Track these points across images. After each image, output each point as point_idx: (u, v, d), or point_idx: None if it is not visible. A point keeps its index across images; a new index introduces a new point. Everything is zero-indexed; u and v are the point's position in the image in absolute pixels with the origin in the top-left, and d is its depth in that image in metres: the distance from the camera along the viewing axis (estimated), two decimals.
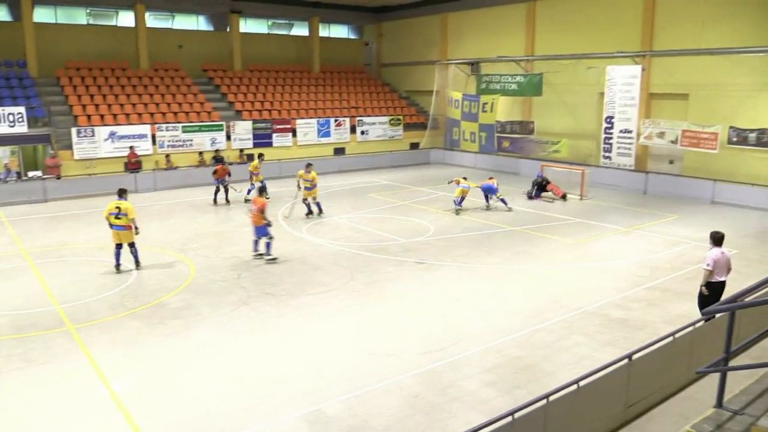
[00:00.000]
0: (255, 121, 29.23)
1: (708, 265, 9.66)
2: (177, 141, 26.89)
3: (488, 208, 20.61)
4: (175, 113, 28.21)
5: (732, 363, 7.71)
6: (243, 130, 28.69)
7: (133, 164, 25.24)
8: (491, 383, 8.61)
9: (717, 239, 9.86)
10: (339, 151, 31.62)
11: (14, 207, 21.92)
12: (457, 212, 19.86)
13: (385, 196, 23.33)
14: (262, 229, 14.42)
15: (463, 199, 20.24)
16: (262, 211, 14.29)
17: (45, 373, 8.85)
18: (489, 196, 20.88)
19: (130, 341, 9.93)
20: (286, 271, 13.81)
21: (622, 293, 12.38)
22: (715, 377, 7.56)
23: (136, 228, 13.71)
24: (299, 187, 19.57)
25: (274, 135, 29.58)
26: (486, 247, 15.94)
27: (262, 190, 15.37)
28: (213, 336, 10.14)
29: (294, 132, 30.21)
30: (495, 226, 18.33)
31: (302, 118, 31.05)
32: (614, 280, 13.22)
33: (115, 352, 9.55)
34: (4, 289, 12.70)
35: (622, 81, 25.14)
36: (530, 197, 22.71)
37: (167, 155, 26.37)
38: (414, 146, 34.39)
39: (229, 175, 21.68)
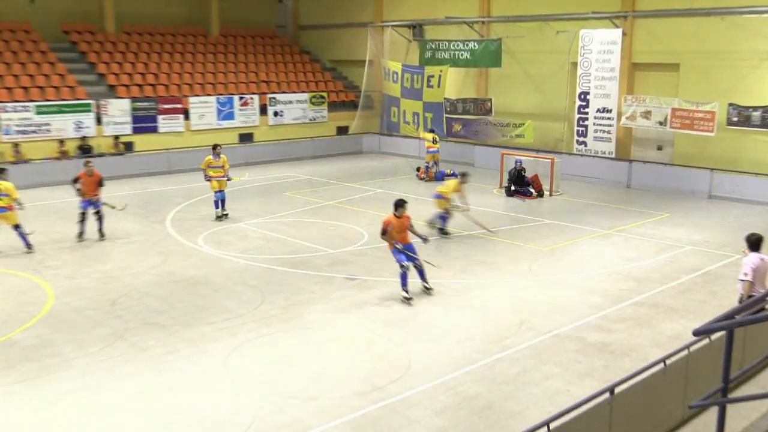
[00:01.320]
0: (134, 99, 28.61)
1: (746, 274, 9.78)
2: (29, 125, 25.96)
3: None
4: (26, 89, 27.23)
5: (736, 393, 7.98)
6: (118, 111, 28.00)
7: None
8: (443, 430, 8.63)
9: (754, 242, 9.94)
10: (246, 137, 31.30)
11: None
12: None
13: (305, 195, 23.20)
14: None
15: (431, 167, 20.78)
16: None
17: None
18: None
19: None
20: (177, 294, 13.52)
21: (602, 311, 12.68)
22: (714, 411, 7.80)
23: (20, 205, 16.12)
24: (208, 179, 19.50)
25: (161, 117, 29.00)
26: (434, 257, 16.02)
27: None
28: (77, 384, 9.78)
29: (186, 113, 29.73)
30: (447, 230, 18.48)
31: (197, 95, 30.62)
32: (592, 295, 13.53)
33: None
34: None
35: (599, 48, 25.92)
36: (509, 193, 23.08)
37: (15, 144, 25.40)
38: (342, 131, 34.44)
39: (101, 185, 17.79)
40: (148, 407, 9.16)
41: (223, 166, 19.72)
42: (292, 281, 14.24)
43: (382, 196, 22.86)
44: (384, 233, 13.18)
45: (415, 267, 13.33)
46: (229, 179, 19.99)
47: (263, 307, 12.76)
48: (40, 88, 27.60)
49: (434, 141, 26.55)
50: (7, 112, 25.57)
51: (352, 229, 18.51)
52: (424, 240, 13.93)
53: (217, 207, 19.63)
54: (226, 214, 19.71)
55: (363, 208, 21.20)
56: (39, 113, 26.21)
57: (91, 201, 17.64)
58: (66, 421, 8.85)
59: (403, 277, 13.03)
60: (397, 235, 13.17)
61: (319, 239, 17.50)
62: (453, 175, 25.31)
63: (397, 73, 32.49)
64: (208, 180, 19.79)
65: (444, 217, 18.14)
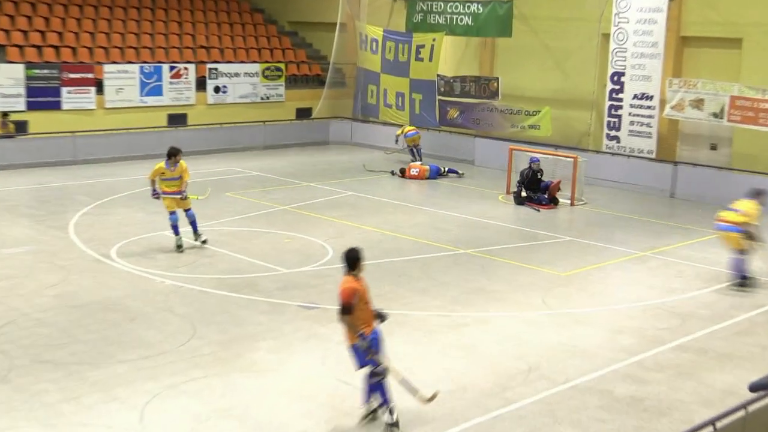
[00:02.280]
0: (30, 65, 28.40)
1: None
2: None
3: None
4: None
5: None
6: (8, 80, 27.76)
7: None
8: None
9: None
10: (177, 119, 31.19)
11: None
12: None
13: (254, 197, 23.13)
14: None
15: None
16: None
17: None
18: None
19: None
20: (81, 322, 13.40)
21: (635, 356, 12.68)
22: None
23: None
24: (157, 195, 17.88)
25: (65, 90, 28.81)
26: (419, 281, 16.02)
27: None
28: None
29: (99, 86, 29.57)
30: (436, 246, 18.47)
31: (114, 62, 30.46)
32: (622, 336, 13.57)
33: None
34: None
35: (639, 17, 26.13)
36: (519, 202, 23.13)
37: None
38: (303, 114, 34.39)
39: None
40: None
41: (180, 178, 17.76)
42: (233, 309, 14.12)
43: (354, 201, 22.79)
44: (348, 311, 9.81)
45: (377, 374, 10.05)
46: (184, 197, 17.81)
47: (194, 342, 12.63)
48: None
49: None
50: None
51: (313, 243, 18.43)
52: (382, 319, 10.31)
53: (176, 233, 17.83)
54: (204, 241, 18.10)
55: (328, 215, 21.13)
56: None
57: None
58: None
59: (383, 392, 10.10)
60: (361, 314, 9.96)
61: (270, 255, 17.39)
62: (452, 172, 25.53)
63: (377, 41, 32.56)
64: (156, 197, 17.85)
65: (741, 261, 16.24)
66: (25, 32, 30.17)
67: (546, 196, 23.01)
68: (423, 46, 30.91)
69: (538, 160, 23.49)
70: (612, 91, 26.80)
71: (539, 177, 23.27)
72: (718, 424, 8.26)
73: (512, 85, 29.86)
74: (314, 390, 11.25)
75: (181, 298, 14.64)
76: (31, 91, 28.16)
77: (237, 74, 32.92)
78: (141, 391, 10.97)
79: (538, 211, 22.50)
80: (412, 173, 26.39)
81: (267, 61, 34.26)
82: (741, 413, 8.57)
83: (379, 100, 33.03)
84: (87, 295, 14.69)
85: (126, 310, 14.02)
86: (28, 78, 28.14)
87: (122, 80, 30.15)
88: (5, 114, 27.25)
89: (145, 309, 14.08)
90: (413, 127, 28.92)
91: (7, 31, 29.80)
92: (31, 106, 28.08)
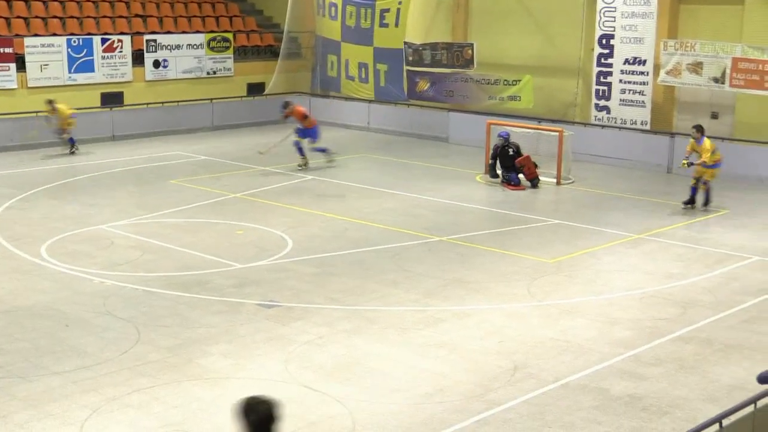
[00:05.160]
0: None
1: None
2: None
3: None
4: None
5: None
6: None
7: None
8: None
9: None
10: (111, 98, 31.00)
11: None
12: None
13: (200, 184, 23.09)
14: None
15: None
16: None
17: None
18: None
19: None
20: (9, 329, 13.36)
21: (632, 350, 12.77)
22: None
23: None
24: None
25: None
26: (391, 273, 16.07)
27: None
28: None
29: (21, 62, 29.32)
30: (408, 234, 18.52)
31: (37, 35, 30.20)
32: (617, 328, 13.67)
33: None
34: None
35: None
36: (494, 177, 23.26)
37: None
38: (256, 90, 34.30)
39: None
40: None
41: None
42: (182, 310, 14.09)
43: (315, 186, 22.80)
44: None
45: None
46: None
47: (138, 349, 12.59)
48: None
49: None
50: None
51: (270, 234, 18.43)
52: None
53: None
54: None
55: (286, 203, 21.13)
56: None
57: None
58: None
59: None
60: None
61: (222, 249, 17.38)
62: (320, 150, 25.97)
63: (335, 6, 32.51)
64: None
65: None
66: None
67: (517, 176, 23.03)
68: (387, 11, 30.88)
69: (507, 134, 23.51)
70: (600, 56, 26.92)
71: (511, 153, 23.28)
72: (725, 422, 8.36)
73: (489, 52, 29.79)
74: (276, 398, 11.27)
75: (123, 300, 14.57)
76: None
77: (179, 46, 32.74)
78: (79, 405, 10.93)
79: (509, 191, 22.61)
80: None
81: (212, 31, 34.12)
82: (750, 409, 8.66)
83: (341, 72, 32.99)
84: (13, 300, 14.59)
85: (59, 315, 13.91)
86: None
87: (47, 55, 29.90)
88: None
89: (81, 314, 13.99)
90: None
91: None
92: None
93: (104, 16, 32.70)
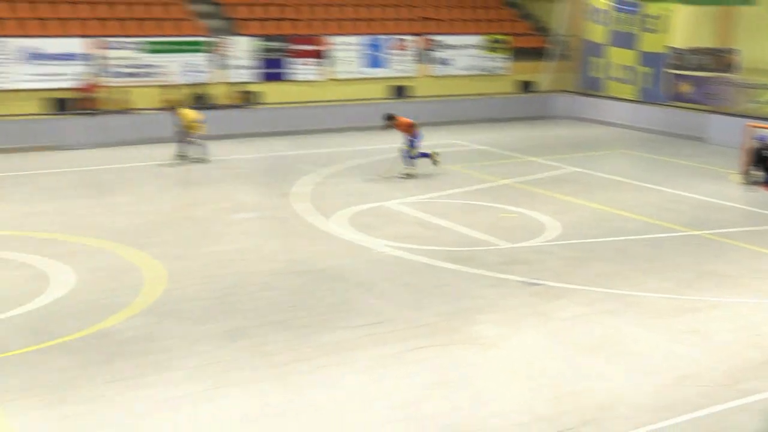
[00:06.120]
0: (265, 38, 29.51)
1: None
2: (132, 67, 27.38)
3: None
4: (122, 21, 28.47)
5: None
6: (240, 52, 29.01)
7: (87, 102, 26.05)
8: None
9: None
10: (399, 91, 31.64)
11: None
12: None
13: (475, 170, 23.19)
14: None
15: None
16: None
17: None
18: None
19: (50, 392, 10.08)
20: (308, 287, 13.80)
21: None
22: None
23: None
24: None
25: (292, 62, 29.81)
26: (648, 261, 15.54)
27: None
28: (180, 391, 10.17)
29: (324, 58, 30.41)
30: (666, 227, 17.87)
31: (338, 34, 31.16)
32: None
33: (29, 408, 9.71)
34: None
35: None
36: (752, 181, 22.11)
37: (120, 90, 26.93)
38: (526, 87, 34.17)
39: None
40: (268, 428, 9.46)
41: None
42: (455, 281, 14.14)
43: (578, 177, 22.44)
44: None
45: None
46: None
47: (417, 312, 12.70)
48: (139, 20, 28.72)
49: None
50: (113, 49, 27.04)
51: (536, 219, 18.23)
52: None
53: None
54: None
55: (551, 191, 20.91)
56: (148, 51, 27.50)
57: None
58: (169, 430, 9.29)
59: None
60: None
61: (492, 229, 17.28)
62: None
63: (604, 12, 31.93)
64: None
65: None
66: (250, 6, 31.35)
67: None
68: (654, 17, 30.11)
69: (765, 138, 22.26)
70: None
71: (765, 156, 22.14)
72: None
73: (753, 57, 28.39)
74: (536, 366, 11.13)
75: (404, 269, 14.76)
76: (260, 63, 29.32)
77: (459, 46, 32.99)
78: (366, 356, 11.18)
79: (762, 191, 21.29)
80: None
81: (490, 33, 34.05)
82: None
83: (605, 73, 32.46)
84: (312, 262, 15.06)
85: (349, 278, 14.27)
86: (259, 50, 29.28)
87: (346, 52, 30.88)
88: (237, 85, 28.49)
89: (368, 278, 14.29)
90: None
91: (236, 6, 31.06)
92: (260, 78, 29.27)
93: (395, 19, 33.27)
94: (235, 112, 27.86)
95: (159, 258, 15.20)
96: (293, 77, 29.90)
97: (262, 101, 29.04)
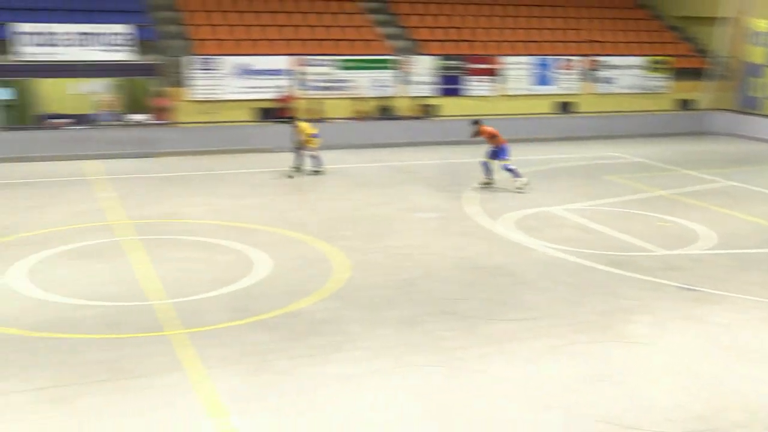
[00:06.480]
0: (445, 57, 29.79)
1: None
2: (327, 81, 28.22)
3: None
4: (320, 41, 29.48)
5: None
6: (421, 69, 29.39)
7: (284, 111, 27.03)
8: None
9: None
10: (564, 107, 31.26)
11: (110, 161, 24.28)
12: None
13: (632, 181, 22.63)
14: None
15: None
16: None
17: (136, 392, 9.64)
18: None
19: (250, 361, 10.47)
20: (476, 281, 13.85)
21: None
22: None
23: None
24: None
25: (468, 79, 30.02)
26: None
27: None
28: (363, 368, 10.38)
29: (496, 76, 30.37)
30: None
31: (509, 54, 31.07)
32: None
33: (230, 374, 10.12)
34: (94, 272, 14.07)
35: None
36: None
37: (316, 101, 27.84)
38: (686, 105, 33.09)
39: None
40: (439, 406, 9.53)
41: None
42: (612, 283, 13.88)
43: (734, 191, 21.54)
44: None
45: None
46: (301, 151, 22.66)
47: (575, 310, 12.56)
48: (335, 41, 29.69)
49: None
50: (311, 66, 28.08)
51: (691, 229, 17.66)
52: None
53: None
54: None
55: (707, 203, 20.17)
56: (341, 68, 28.35)
57: None
58: (345, 403, 9.48)
59: None
60: None
61: (648, 236, 16.88)
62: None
63: (764, 35, 30.61)
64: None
65: None
66: (431, 29, 31.68)
67: None
68: None
69: None
70: None
71: None
72: None
73: None
74: (690, 366, 10.74)
75: (563, 269, 14.62)
76: (440, 80, 29.71)
77: (622, 66, 32.33)
78: (527, 347, 11.09)
79: None
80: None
81: (652, 55, 33.19)
82: None
83: (764, 93, 31.11)
84: (480, 259, 15.13)
85: (513, 275, 14.24)
86: (439, 68, 29.67)
87: (517, 71, 30.80)
88: (419, 99, 28.89)
89: (529, 276, 14.23)
90: None
91: (419, 28, 31.52)
92: (439, 93, 29.64)
93: (562, 42, 32.96)
94: (415, 123, 28.31)
95: (345, 250, 15.53)
96: (468, 93, 30.13)
97: (439, 114, 29.43)
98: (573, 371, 10.47)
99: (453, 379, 10.15)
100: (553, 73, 31.21)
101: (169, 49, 27.85)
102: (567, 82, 31.42)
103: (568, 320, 12.18)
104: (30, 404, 9.28)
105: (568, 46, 32.68)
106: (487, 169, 21.44)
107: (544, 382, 10.15)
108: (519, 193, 20.75)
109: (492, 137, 21.24)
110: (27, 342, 11.07)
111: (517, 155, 25.81)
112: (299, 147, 22.90)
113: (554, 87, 31.25)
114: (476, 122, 21.64)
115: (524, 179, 21.14)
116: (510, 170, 21.13)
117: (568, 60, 31.41)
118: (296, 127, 22.98)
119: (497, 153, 21.24)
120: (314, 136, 22.82)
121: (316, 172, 23.08)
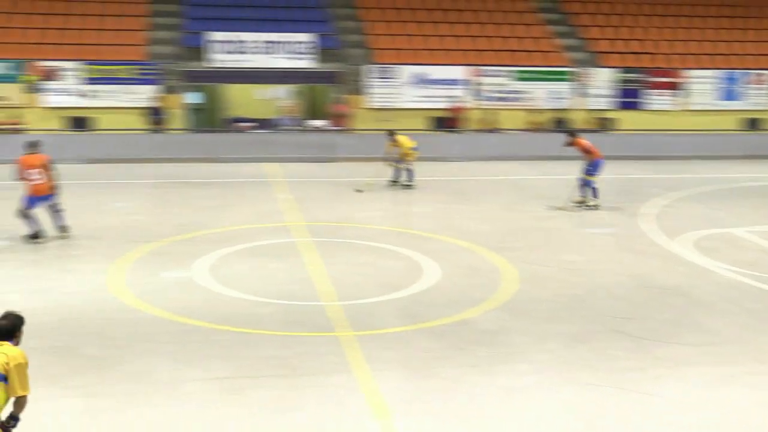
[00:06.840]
0: (625, 69, 29.21)
1: None
2: (502, 92, 28.25)
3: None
4: (497, 51, 29.43)
5: None
6: (600, 82, 28.91)
7: (455, 122, 27.27)
8: None
9: None
10: (752, 123, 30.02)
11: (290, 165, 25.16)
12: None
13: None
14: None
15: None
16: None
17: (305, 389, 9.94)
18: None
19: (416, 367, 10.59)
20: (649, 301, 13.49)
21: None
22: None
23: None
24: None
25: (649, 93, 29.32)
26: None
27: None
28: (529, 381, 10.31)
29: (678, 90, 29.46)
30: None
31: (694, 68, 30.00)
32: None
33: (397, 378, 10.28)
34: (271, 271, 14.68)
35: None
36: None
37: (490, 112, 27.93)
38: None
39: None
40: (606, 426, 9.30)
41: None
42: None
43: None
44: None
45: None
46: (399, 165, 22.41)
47: (757, 337, 11.98)
48: (511, 51, 29.70)
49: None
50: (487, 76, 28.23)
51: None
52: None
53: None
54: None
55: None
56: (517, 79, 28.33)
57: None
58: (510, 414, 9.44)
59: None
60: None
61: None
62: None
63: None
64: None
65: None
66: (612, 40, 31.16)
67: None
68: None
69: None
70: None
71: None
72: None
73: None
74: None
75: (746, 294, 13.94)
76: (619, 93, 29.20)
77: None
78: (700, 373, 10.64)
79: None
80: None
81: None
82: None
83: None
84: (653, 278, 14.72)
85: (689, 297, 13.73)
86: (619, 81, 29.15)
87: (702, 85, 29.90)
88: (596, 112, 28.45)
89: (708, 299, 13.67)
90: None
91: (600, 40, 30.99)
92: (618, 106, 29.08)
93: (756, 54, 31.69)
94: (592, 137, 27.69)
95: (514, 261, 15.47)
96: (648, 106, 29.59)
97: (616, 127, 28.80)
98: (752, 401, 10.01)
99: (622, 400, 9.92)
100: (741, 87, 29.94)
101: (349, 57, 28.64)
102: (756, 97, 30.07)
103: (747, 348, 11.61)
104: (208, 392, 9.78)
105: (758, 60, 31.29)
106: (587, 187, 20.53)
107: (720, 409, 9.76)
108: (585, 209, 20.24)
109: (587, 152, 20.39)
110: (208, 334, 11.67)
111: (700, 173, 25.10)
112: (398, 161, 22.72)
113: (742, 102, 30.07)
114: (572, 133, 21.05)
115: (599, 201, 20.42)
116: (591, 187, 20.40)
117: (759, 74, 30.02)
118: (394, 140, 22.66)
119: (593, 169, 20.37)
120: (413, 149, 22.62)
121: (407, 186, 22.82)
